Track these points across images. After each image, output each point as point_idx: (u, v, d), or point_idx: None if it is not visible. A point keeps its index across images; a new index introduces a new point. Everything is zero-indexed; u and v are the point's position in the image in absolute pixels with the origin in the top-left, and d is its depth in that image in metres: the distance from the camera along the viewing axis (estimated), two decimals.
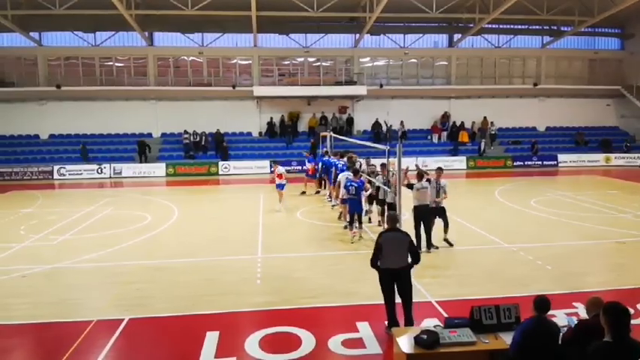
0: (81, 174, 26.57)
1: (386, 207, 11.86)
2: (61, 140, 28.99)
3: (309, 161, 19.82)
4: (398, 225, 7.02)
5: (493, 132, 31.00)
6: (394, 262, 6.57)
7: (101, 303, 8.14)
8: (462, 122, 31.34)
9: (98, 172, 26.71)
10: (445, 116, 31.53)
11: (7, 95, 28.08)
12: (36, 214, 16.22)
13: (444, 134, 31.29)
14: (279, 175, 16.08)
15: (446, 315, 7.05)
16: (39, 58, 29.11)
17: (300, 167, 26.15)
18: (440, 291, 8.33)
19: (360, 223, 12.16)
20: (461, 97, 31.56)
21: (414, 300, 6.78)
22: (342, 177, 13.27)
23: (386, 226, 7.06)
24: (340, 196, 13.09)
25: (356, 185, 11.96)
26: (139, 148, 27.71)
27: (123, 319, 7.33)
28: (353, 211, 12.05)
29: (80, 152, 27.50)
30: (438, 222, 11.13)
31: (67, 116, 28.88)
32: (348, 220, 12.45)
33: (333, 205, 16.08)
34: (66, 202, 19.32)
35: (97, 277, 9.61)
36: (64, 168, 26.64)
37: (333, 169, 16.43)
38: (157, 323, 7.33)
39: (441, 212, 11.04)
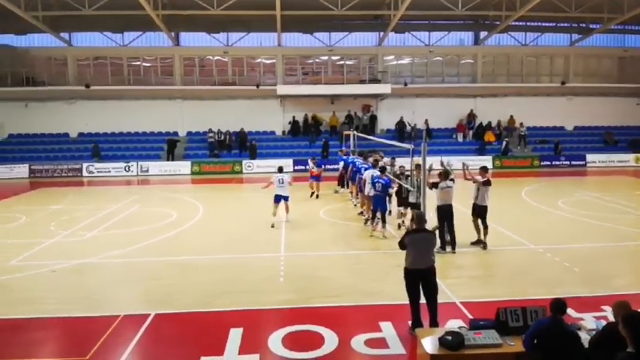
0: (109, 172, 27.16)
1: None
2: (90, 138, 29.63)
3: (317, 165, 18.37)
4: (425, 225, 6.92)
5: (522, 133, 30.27)
6: (420, 263, 6.53)
7: (128, 298, 8.31)
8: (489, 122, 30.88)
9: (126, 170, 27.27)
10: (471, 115, 31.11)
11: (38, 94, 28.80)
12: (65, 210, 16.64)
13: (470, 133, 30.88)
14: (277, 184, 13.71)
15: (471, 316, 6.96)
16: (69, 58, 29.84)
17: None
18: (465, 292, 8.23)
19: (384, 221, 12.12)
20: (487, 96, 31.07)
21: (438, 301, 6.71)
22: (368, 174, 13.21)
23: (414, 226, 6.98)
24: (366, 193, 13.08)
25: (383, 182, 12.00)
26: (168, 146, 28.12)
27: (149, 315, 7.47)
28: (377, 207, 12.11)
29: (92, 150, 28.00)
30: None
31: (96, 115, 29.52)
32: (370, 215, 12.67)
33: (355, 204, 16.06)
34: (94, 199, 19.77)
35: (124, 272, 9.83)
36: (93, 166, 27.26)
37: (350, 166, 16.59)
38: (182, 319, 7.44)
39: (483, 212, 10.89)
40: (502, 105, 30.95)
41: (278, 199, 13.57)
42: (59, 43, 29.41)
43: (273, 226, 13.16)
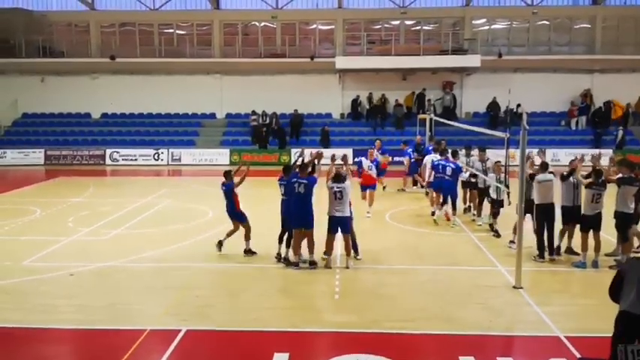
0: (136, 159, 28.36)
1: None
2: (114, 120, 31.05)
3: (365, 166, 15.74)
4: None
5: None
6: (635, 305, 5.66)
7: (156, 310, 8.67)
8: (610, 103, 29.51)
9: (155, 159, 28.36)
10: (586, 95, 29.89)
11: (56, 67, 30.37)
12: (86, 204, 17.55)
13: (583, 119, 29.70)
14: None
15: (579, 355, 6.83)
16: (91, 25, 31.31)
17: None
18: (572, 323, 8.01)
19: (454, 209, 14.03)
20: (608, 71, 29.72)
21: (536, 333, 6.55)
22: (428, 159, 15.61)
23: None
24: (427, 178, 15.51)
25: (453, 167, 13.78)
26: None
27: (179, 331, 7.76)
28: (447, 194, 13.93)
29: None
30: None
31: (121, 92, 30.75)
32: (439, 204, 14.26)
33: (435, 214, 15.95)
34: (119, 191, 20.75)
35: (152, 279, 10.27)
36: (118, 152, 28.55)
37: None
38: (218, 337, 7.70)
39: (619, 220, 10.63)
40: (628, 83, 29.46)
41: (335, 224, 10.79)
42: (80, 6, 30.98)
43: (329, 267, 10.76)
